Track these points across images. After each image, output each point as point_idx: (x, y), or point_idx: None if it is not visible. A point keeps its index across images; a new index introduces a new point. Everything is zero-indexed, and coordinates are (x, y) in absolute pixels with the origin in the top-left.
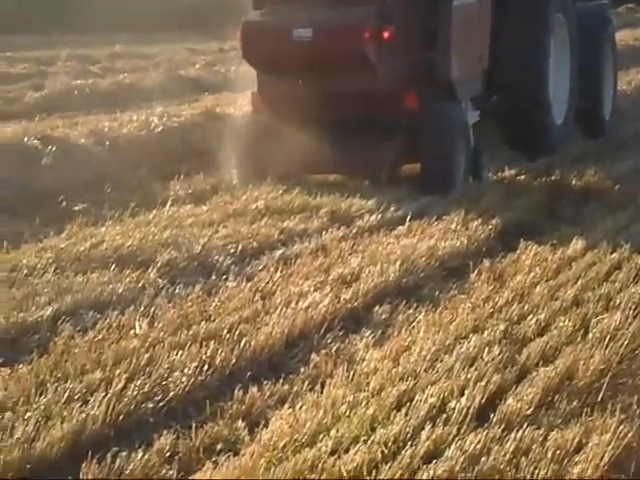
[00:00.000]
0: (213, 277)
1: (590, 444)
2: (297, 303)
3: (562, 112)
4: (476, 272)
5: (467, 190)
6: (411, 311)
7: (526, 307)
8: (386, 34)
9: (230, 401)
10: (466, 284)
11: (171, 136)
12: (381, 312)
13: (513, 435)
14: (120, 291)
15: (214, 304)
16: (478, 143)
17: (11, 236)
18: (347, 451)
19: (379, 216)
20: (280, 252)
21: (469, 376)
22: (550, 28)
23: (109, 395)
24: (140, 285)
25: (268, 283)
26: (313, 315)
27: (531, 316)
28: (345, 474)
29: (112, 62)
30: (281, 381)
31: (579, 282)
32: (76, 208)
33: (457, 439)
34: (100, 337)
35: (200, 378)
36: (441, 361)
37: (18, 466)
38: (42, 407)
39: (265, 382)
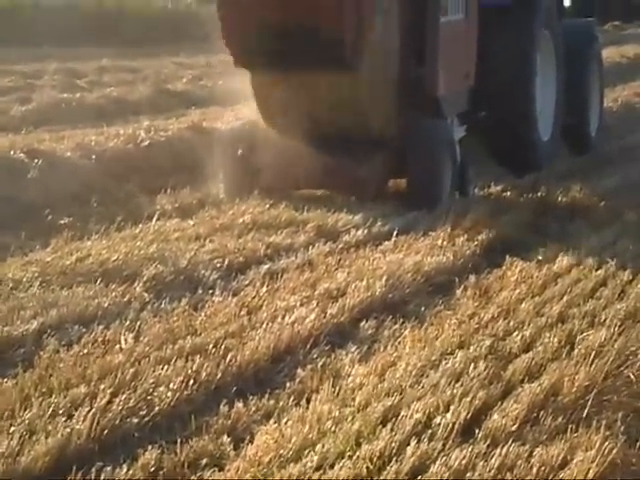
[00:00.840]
0: (199, 291)
1: (575, 460)
2: (283, 318)
3: (548, 128)
4: (462, 288)
5: (453, 206)
6: (397, 326)
7: (512, 323)
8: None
9: (215, 416)
10: (452, 300)
11: (158, 150)
12: (367, 327)
13: (498, 451)
14: (106, 305)
15: (200, 319)
16: (464, 159)
17: None
18: (332, 466)
19: (365, 231)
20: (266, 267)
21: (454, 392)
22: (536, 44)
23: (94, 410)
24: (126, 299)
25: (254, 298)
26: (299, 330)
27: (517, 332)
28: None
29: (99, 76)
30: (267, 396)
31: (564, 298)
32: (62, 222)
33: (442, 455)
34: (85, 351)
35: (185, 393)
36: (427, 377)
37: None
38: (26, 421)
39: (251, 397)
